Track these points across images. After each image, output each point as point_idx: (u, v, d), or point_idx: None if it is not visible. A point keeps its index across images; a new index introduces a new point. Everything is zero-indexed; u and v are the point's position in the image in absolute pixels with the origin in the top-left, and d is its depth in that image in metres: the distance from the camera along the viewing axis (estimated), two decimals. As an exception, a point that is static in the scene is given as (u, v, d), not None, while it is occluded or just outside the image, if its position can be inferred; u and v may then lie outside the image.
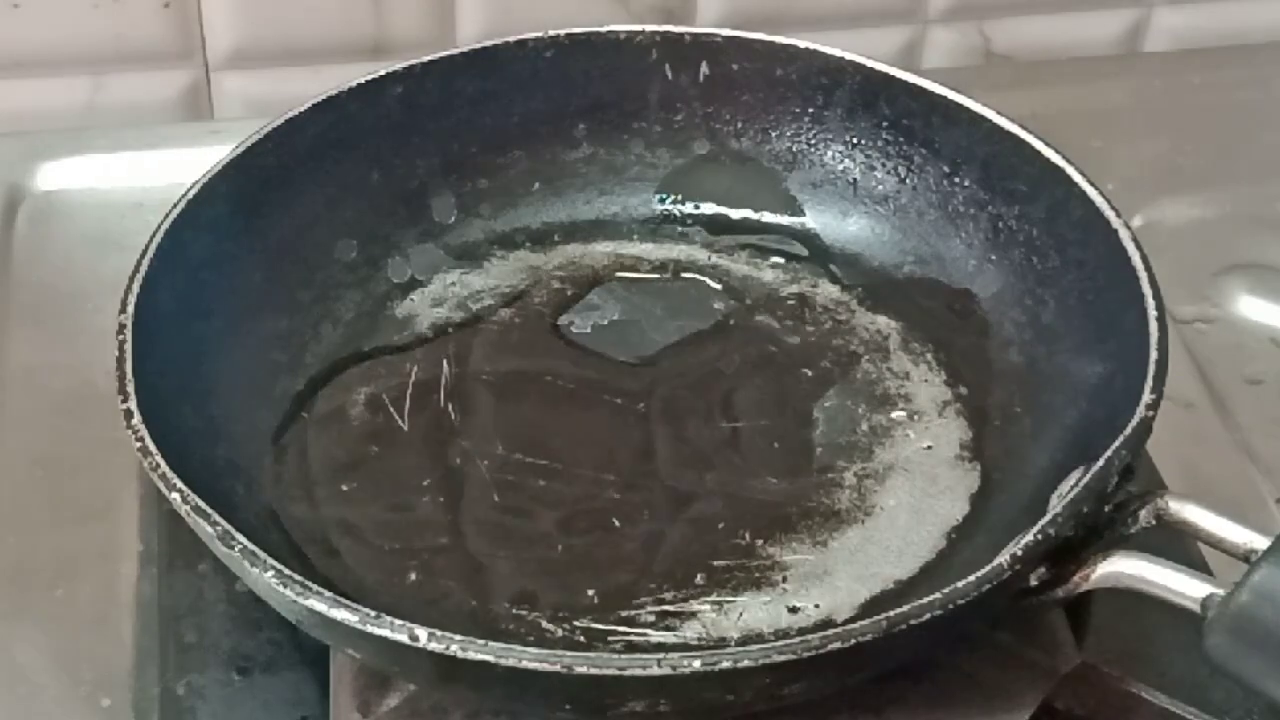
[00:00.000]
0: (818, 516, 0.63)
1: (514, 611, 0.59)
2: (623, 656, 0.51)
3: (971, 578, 0.53)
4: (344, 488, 0.64)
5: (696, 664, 0.50)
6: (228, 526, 0.54)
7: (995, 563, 0.53)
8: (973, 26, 0.95)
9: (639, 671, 0.50)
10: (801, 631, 0.59)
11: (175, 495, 0.55)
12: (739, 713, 0.55)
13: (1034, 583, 0.56)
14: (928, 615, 0.52)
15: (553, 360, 0.70)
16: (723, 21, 0.90)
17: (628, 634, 0.59)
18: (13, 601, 0.65)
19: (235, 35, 0.88)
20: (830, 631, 0.51)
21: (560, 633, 0.59)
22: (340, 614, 0.52)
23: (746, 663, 0.50)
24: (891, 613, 0.52)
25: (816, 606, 0.60)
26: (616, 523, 0.63)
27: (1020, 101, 0.72)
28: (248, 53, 0.88)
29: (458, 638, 0.51)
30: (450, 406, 0.67)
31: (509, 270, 0.73)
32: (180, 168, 0.79)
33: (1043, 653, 0.59)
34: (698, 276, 0.74)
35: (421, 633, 0.51)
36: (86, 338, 0.74)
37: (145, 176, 0.83)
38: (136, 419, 0.57)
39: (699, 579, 0.61)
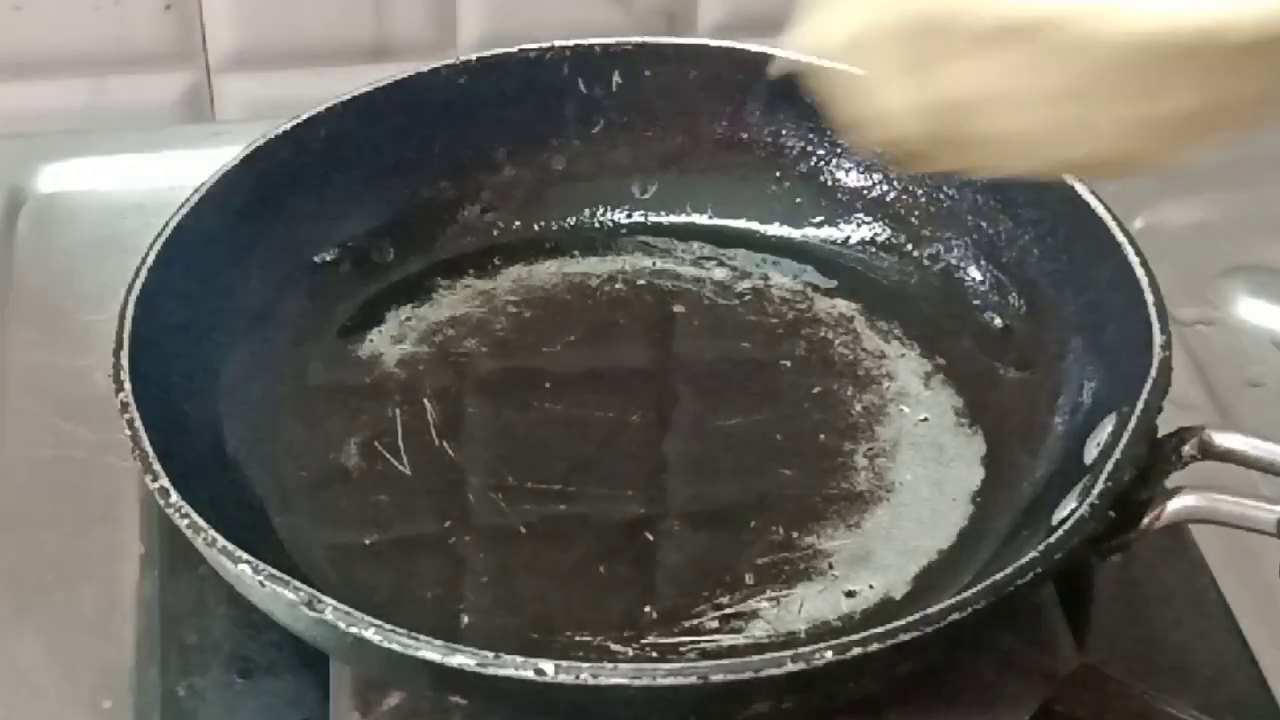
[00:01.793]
0: (842, 500, 0.64)
1: (578, 639, 0.59)
2: (756, 658, 0.51)
3: (1061, 531, 0.54)
4: (366, 541, 0.63)
5: (829, 655, 0.50)
6: (316, 594, 0.53)
7: (1078, 514, 0.54)
8: (974, 28, 0.95)
9: (774, 671, 0.50)
10: (865, 613, 0.60)
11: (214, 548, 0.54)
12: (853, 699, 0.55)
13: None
14: (1030, 575, 0.53)
15: (534, 385, 0.69)
16: (724, 23, 0.90)
17: (697, 642, 0.59)
18: (14, 604, 0.65)
19: (236, 37, 0.88)
20: (948, 603, 0.52)
21: (631, 652, 0.59)
22: (459, 660, 0.51)
23: (875, 646, 0.51)
24: (999, 575, 0.52)
25: (871, 587, 0.61)
26: (649, 536, 0.63)
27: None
28: (249, 55, 0.88)
29: (586, 666, 0.50)
30: (446, 445, 0.67)
31: (459, 300, 0.73)
32: (182, 169, 0.80)
33: (1043, 654, 0.59)
34: (650, 282, 0.73)
35: (548, 666, 0.50)
36: (88, 340, 0.74)
37: (146, 178, 0.83)
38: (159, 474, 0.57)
39: (748, 578, 0.61)
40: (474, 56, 0.74)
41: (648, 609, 0.60)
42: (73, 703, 0.61)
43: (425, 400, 0.68)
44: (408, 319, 0.72)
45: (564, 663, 0.50)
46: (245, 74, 0.89)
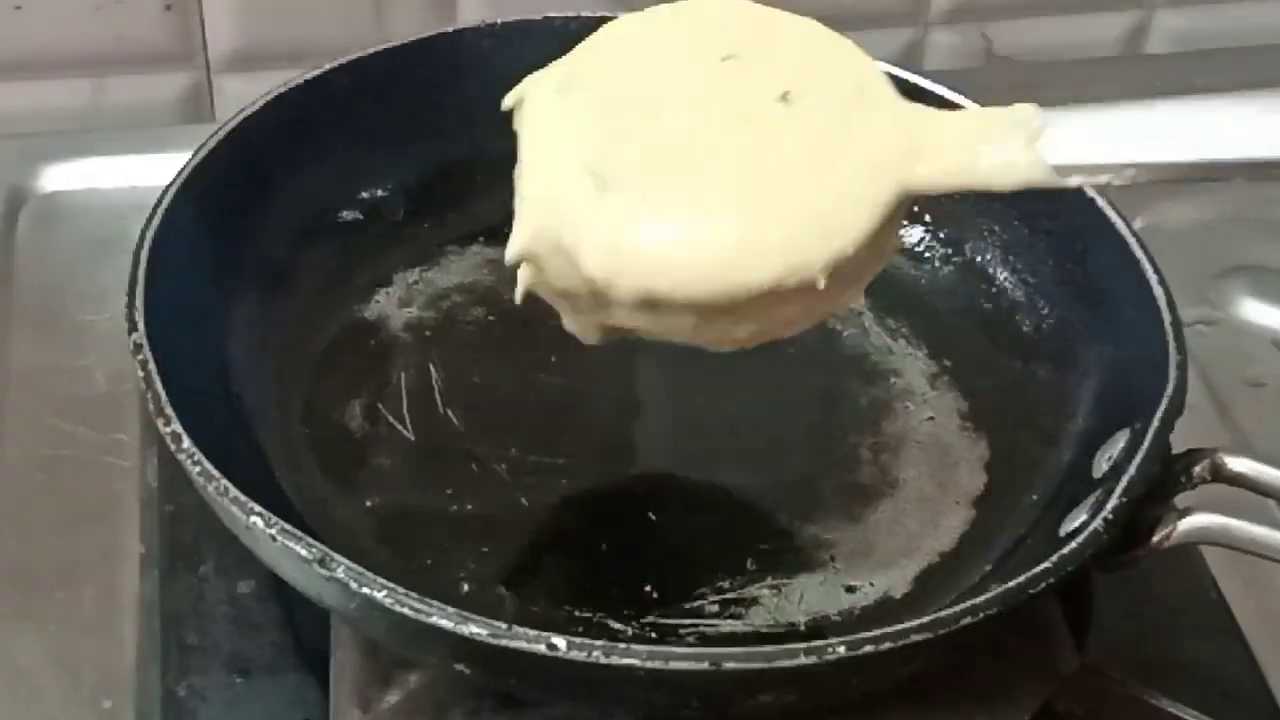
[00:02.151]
0: (845, 492, 0.64)
1: (577, 614, 0.59)
2: (770, 649, 0.51)
3: (1074, 544, 0.54)
4: (367, 504, 0.63)
5: (841, 650, 0.50)
6: (329, 552, 0.52)
7: (1091, 528, 0.54)
8: (974, 28, 0.95)
9: (786, 662, 0.50)
10: (865, 610, 0.60)
11: (256, 520, 0.53)
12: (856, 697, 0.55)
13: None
14: (1042, 585, 0.53)
15: (541, 359, 0.69)
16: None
17: (696, 625, 0.59)
18: (14, 604, 0.65)
19: (237, 37, 0.88)
20: (962, 606, 0.52)
21: (630, 630, 0.59)
22: (471, 629, 0.50)
23: (888, 645, 0.51)
24: (1010, 584, 0.52)
25: (872, 584, 0.61)
26: (652, 515, 0.63)
27: (1021, 103, 0.72)
28: (249, 55, 0.88)
29: (598, 644, 0.50)
30: (450, 413, 0.67)
31: (469, 266, 0.72)
32: (182, 170, 0.80)
33: (1043, 654, 0.59)
34: None
35: (560, 641, 0.50)
36: (88, 340, 0.74)
37: (147, 178, 0.82)
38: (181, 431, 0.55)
39: (750, 564, 0.61)
40: (498, 20, 0.73)
41: (648, 588, 0.60)
42: (73, 703, 0.61)
43: (431, 366, 0.68)
44: (415, 282, 0.71)
45: (576, 639, 0.50)
46: (245, 74, 0.89)
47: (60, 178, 0.83)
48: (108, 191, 0.83)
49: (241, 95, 0.89)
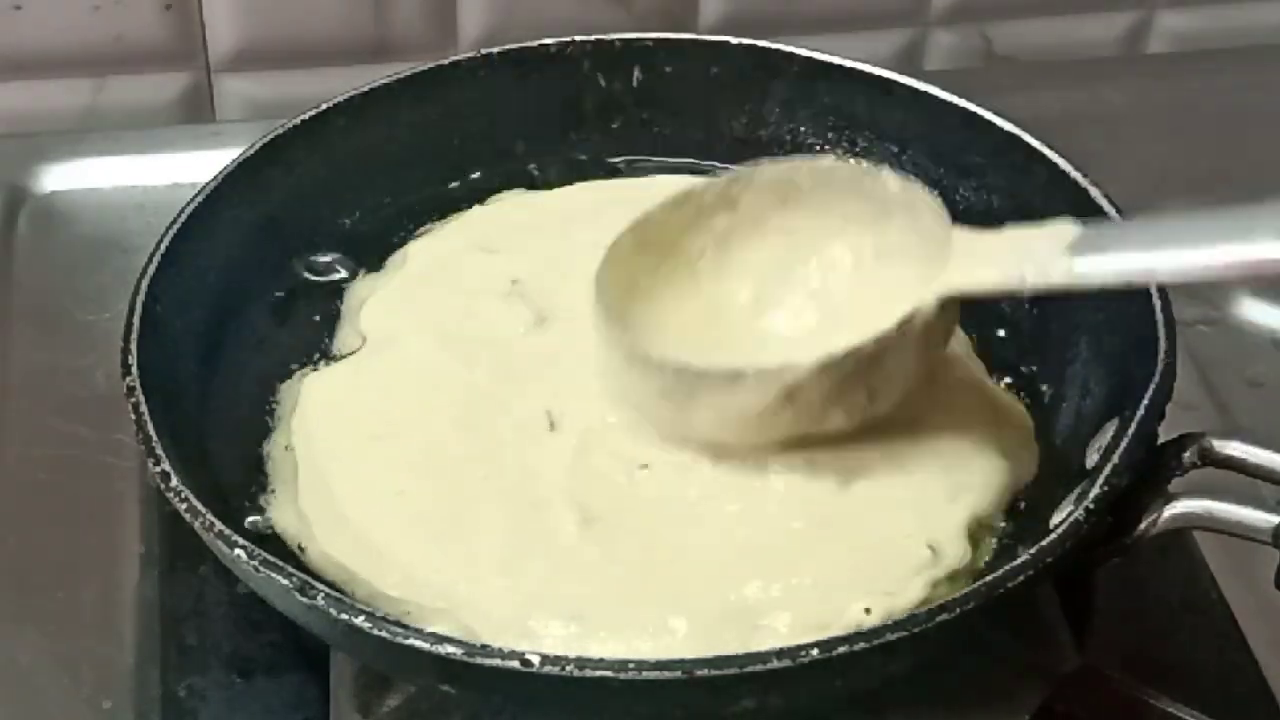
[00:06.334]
0: None
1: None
2: (742, 654, 0.51)
3: (1054, 535, 0.54)
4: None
5: (814, 653, 0.50)
6: (309, 580, 0.53)
7: (1073, 518, 0.54)
8: (974, 28, 0.95)
9: (759, 667, 0.50)
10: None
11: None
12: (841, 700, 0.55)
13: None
14: (1020, 578, 0.52)
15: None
16: (724, 23, 0.90)
17: None
18: (14, 604, 0.65)
19: (237, 37, 0.88)
20: (936, 604, 0.52)
21: None
22: (447, 649, 0.51)
23: (861, 645, 0.51)
24: (989, 577, 0.52)
25: None
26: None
27: (1021, 103, 0.72)
28: (249, 55, 0.88)
29: (571, 658, 0.50)
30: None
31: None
32: (181, 169, 0.80)
33: (1043, 654, 0.59)
34: None
35: (534, 657, 0.50)
36: (88, 340, 0.74)
37: (146, 178, 0.83)
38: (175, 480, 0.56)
39: None
40: (494, 50, 0.73)
41: None
42: (73, 702, 0.62)
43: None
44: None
45: (549, 654, 0.50)
46: (245, 74, 0.89)
47: (60, 178, 0.83)
48: (107, 191, 0.83)
49: (241, 95, 0.89)
